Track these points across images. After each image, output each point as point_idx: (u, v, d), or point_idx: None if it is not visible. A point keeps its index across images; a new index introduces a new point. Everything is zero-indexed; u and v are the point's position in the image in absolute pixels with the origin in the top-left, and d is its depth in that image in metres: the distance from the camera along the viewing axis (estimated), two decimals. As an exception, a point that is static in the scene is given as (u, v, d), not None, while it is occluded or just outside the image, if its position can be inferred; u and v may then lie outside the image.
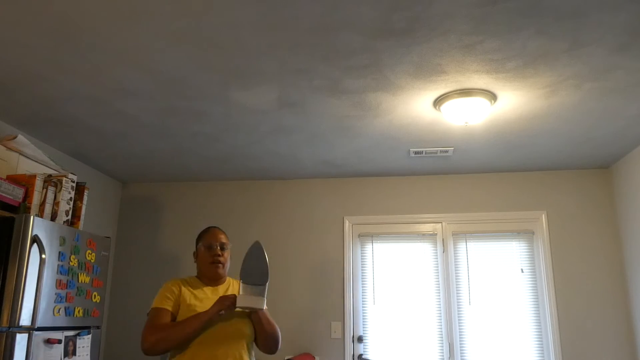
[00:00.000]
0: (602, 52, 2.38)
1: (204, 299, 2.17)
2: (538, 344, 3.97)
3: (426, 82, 2.70)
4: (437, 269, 4.19)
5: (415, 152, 3.80)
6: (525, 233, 4.19)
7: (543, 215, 4.16)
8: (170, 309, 2.11)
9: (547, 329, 3.95)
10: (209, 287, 2.25)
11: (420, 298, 4.15)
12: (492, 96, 2.84)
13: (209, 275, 2.25)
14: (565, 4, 2.01)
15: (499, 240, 4.19)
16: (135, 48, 2.36)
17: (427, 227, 4.29)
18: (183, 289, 2.18)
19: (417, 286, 4.19)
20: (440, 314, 4.09)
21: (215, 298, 2.18)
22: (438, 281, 4.16)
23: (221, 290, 2.26)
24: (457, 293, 4.12)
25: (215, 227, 2.35)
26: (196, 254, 2.31)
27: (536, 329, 4.00)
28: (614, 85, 2.73)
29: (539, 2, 2.01)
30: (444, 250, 4.21)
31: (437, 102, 2.92)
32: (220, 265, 2.24)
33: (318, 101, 2.93)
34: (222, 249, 2.27)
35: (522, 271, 4.12)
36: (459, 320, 4.07)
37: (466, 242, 4.22)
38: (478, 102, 2.84)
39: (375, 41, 2.29)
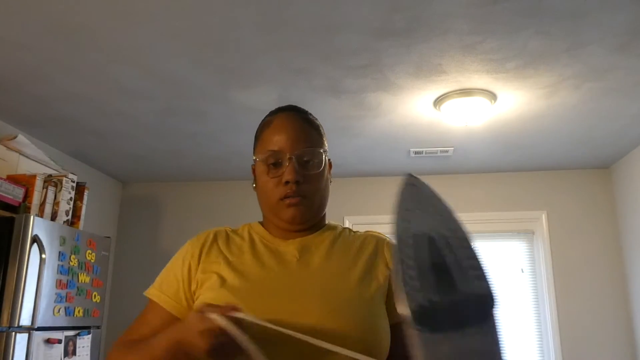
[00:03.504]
0: (602, 52, 2.38)
1: (269, 268, 1.03)
2: (538, 344, 3.97)
3: (426, 82, 2.70)
4: (437, 269, 4.18)
5: (415, 152, 3.80)
6: (525, 233, 4.19)
7: (543, 215, 4.16)
8: (167, 306, 1.05)
9: (547, 329, 3.95)
10: (288, 242, 1.08)
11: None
12: (492, 96, 2.84)
13: (281, 221, 1.08)
14: (565, 4, 2.01)
15: (499, 240, 4.19)
16: (135, 48, 2.36)
17: (427, 227, 4.28)
18: (215, 259, 1.06)
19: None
20: (440, 314, 4.09)
21: (294, 266, 1.04)
22: (438, 281, 4.15)
23: (318, 249, 1.07)
24: (457, 293, 4.12)
25: (289, 110, 1.16)
26: (254, 175, 1.13)
27: (536, 329, 4.00)
28: (614, 85, 2.73)
29: (539, 2, 2.01)
30: (444, 250, 4.20)
31: (437, 102, 2.92)
32: (301, 202, 1.05)
33: (318, 101, 2.92)
34: (305, 164, 1.06)
35: (522, 271, 4.12)
36: (459, 320, 4.07)
37: (466, 242, 4.21)
38: (478, 102, 2.85)
39: (375, 41, 2.29)
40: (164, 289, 1.07)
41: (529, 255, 4.15)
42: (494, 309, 0.61)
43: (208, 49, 2.36)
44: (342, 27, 2.18)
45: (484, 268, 0.57)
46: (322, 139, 1.12)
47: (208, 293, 1.00)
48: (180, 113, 3.13)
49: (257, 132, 1.14)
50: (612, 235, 4.07)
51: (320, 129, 1.14)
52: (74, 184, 3.10)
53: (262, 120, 1.16)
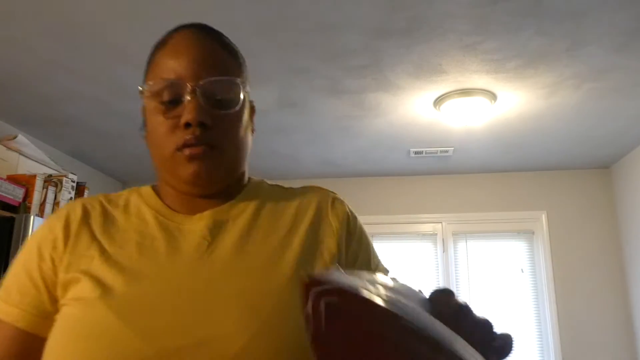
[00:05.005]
0: (602, 52, 2.38)
1: (167, 263, 0.70)
2: (538, 344, 3.97)
3: (426, 82, 2.70)
4: (437, 269, 4.19)
5: (415, 152, 3.80)
6: (525, 233, 4.19)
7: (543, 215, 4.16)
8: (20, 322, 0.71)
9: (547, 329, 3.95)
10: (194, 218, 0.76)
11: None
12: (492, 96, 2.84)
13: (178, 181, 0.76)
14: (565, 4, 2.01)
15: (499, 240, 4.19)
16: (135, 48, 2.36)
17: (427, 227, 4.29)
18: (85, 250, 0.73)
19: (417, 286, 4.18)
20: (440, 314, 4.08)
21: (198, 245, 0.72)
22: (438, 281, 4.16)
23: (235, 225, 0.75)
24: (457, 293, 4.11)
25: (194, 27, 0.79)
26: (144, 117, 0.80)
27: (536, 329, 4.00)
28: (614, 85, 2.73)
29: (539, 2, 2.00)
30: (444, 250, 4.21)
31: (437, 102, 2.92)
32: (206, 152, 0.73)
33: (318, 101, 2.92)
34: (215, 100, 0.74)
35: (522, 271, 4.12)
36: (459, 320, 4.06)
37: (466, 242, 4.22)
38: (478, 102, 2.85)
39: (375, 41, 2.29)
40: (12, 299, 0.71)
41: (529, 255, 4.15)
42: None
43: (208, 49, 2.36)
44: (342, 27, 2.18)
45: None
46: (240, 68, 0.79)
47: (75, 307, 0.66)
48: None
49: (149, 56, 0.80)
50: (612, 235, 4.07)
51: (239, 55, 0.81)
52: (74, 184, 3.10)
53: (157, 41, 0.80)
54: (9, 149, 2.97)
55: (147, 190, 0.81)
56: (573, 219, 4.14)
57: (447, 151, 3.78)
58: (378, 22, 2.14)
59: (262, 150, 3.77)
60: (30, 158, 3.09)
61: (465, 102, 2.84)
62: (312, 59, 2.46)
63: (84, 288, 0.67)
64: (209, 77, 0.73)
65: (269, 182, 0.86)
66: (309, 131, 3.39)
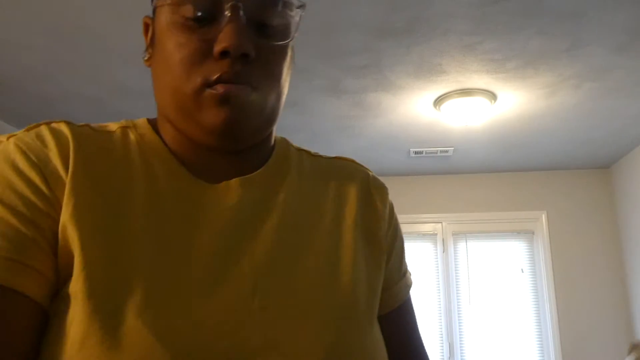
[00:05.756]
0: (602, 52, 2.38)
1: (190, 249, 0.51)
2: (538, 344, 3.97)
3: (426, 82, 2.70)
4: (437, 269, 4.19)
5: (415, 152, 3.80)
6: (525, 233, 4.19)
7: (543, 215, 4.16)
8: (37, 293, 0.46)
9: (547, 329, 3.95)
10: (218, 187, 0.56)
11: (420, 298, 4.16)
12: (492, 96, 2.84)
13: (197, 128, 0.54)
14: (565, 4, 2.01)
15: (499, 240, 4.19)
16: (135, 48, 2.36)
17: (427, 227, 4.29)
18: (83, 199, 0.50)
19: (417, 286, 4.19)
20: (440, 314, 4.09)
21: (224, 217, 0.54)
22: (438, 281, 4.16)
23: (277, 200, 0.58)
24: (457, 293, 4.12)
25: None
26: (148, 35, 0.64)
27: (536, 329, 4.00)
28: (614, 85, 2.73)
29: (539, 2, 2.00)
30: (444, 250, 4.21)
31: (437, 102, 2.92)
32: (244, 93, 0.52)
33: (318, 101, 2.92)
34: (262, 26, 0.55)
35: (522, 271, 4.12)
36: (459, 320, 4.07)
37: (466, 242, 4.22)
38: (478, 102, 2.85)
39: (375, 41, 2.29)
40: (26, 257, 0.47)
41: (529, 255, 4.15)
42: None
43: (208, 49, 2.36)
44: (342, 27, 2.18)
45: None
46: None
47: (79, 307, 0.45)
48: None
49: None
50: (612, 235, 4.07)
51: None
52: (74, 184, 3.09)
53: None
54: (9, 149, 2.97)
55: (146, 129, 0.59)
56: (573, 219, 4.14)
57: (447, 151, 3.78)
58: (378, 22, 2.14)
59: (262, 150, 3.77)
60: (30, 158, 3.09)
61: (465, 102, 2.84)
62: (312, 59, 2.46)
63: (84, 271, 0.46)
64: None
65: (293, 144, 0.68)
66: (309, 131, 3.39)
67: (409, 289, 0.67)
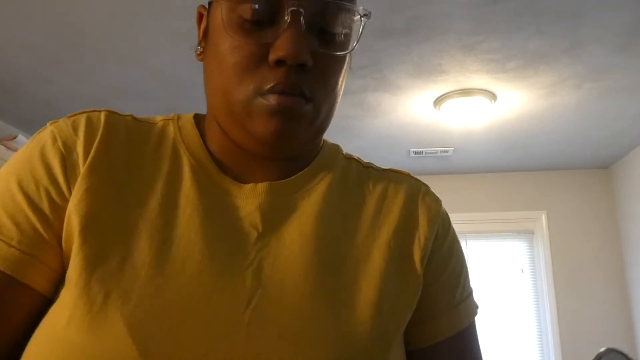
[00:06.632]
0: (602, 52, 2.38)
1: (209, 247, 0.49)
2: (538, 344, 3.97)
3: (426, 82, 2.70)
4: (437, 269, 4.18)
5: (415, 152, 3.80)
6: (525, 233, 4.19)
7: (543, 215, 4.16)
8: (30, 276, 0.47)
9: (547, 329, 3.95)
10: (245, 188, 0.54)
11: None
12: (492, 96, 2.84)
13: (246, 136, 0.53)
14: (565, 4, 2.01)
15: (499, 240, 4.19)
16: (135, 48, 2.36)
17: (427, 227, 4.28)
18: (105, 190, 0.51)
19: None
20: (440, 314, 4.08)
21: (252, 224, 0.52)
22: (438, 281, 4.15)
23: (298, 210, 0.55)
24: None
25: None
26: (202, 30, 0.57)
27: (536, 328, 4.00)
28: (614, 85, 2.73)
29: (539, 2, 2.00)
30: (444, 250, 4.21)
31: (437, 102, 2.92)
32: (299, 106, 0.51)
33: (318, 101, 2.92)
34: (324, 33, 0.52)
35: (522, 271, 4.12)
36: (459, 320, 4.06)
37: (466, 242, 4.22)
38: (478, 102, 2.85)
39: (375, 41, 2.29)
40: (37, 251, 0.48)
41: (529, 255, 4.15)
42: None
43: (208, 49, 2.36)
44: (342, 27, 2.18)
45: None
46: None
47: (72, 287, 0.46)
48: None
49: None
50: (612, 235, 4.07)
51: None
52: (74, 184, 3.09)
53: None
54: (9, 149, 2.97)
55: (187, 122, 0.59)
56: (573, 219, 4.14)
57: (447, 151, 3.77)
58: (378, 22, 2.14)
59: (262, 150, 3.78)
60: (30, 158, 3.09)
61: (465, 102, 2.84)
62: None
63: (76, 260, 0.46)
64: None
65: (344, 152, 0.63)
66: (309, 131, 3.39)
67: (472, 315, 0.61)
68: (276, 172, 0.56)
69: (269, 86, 0.49)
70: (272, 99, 0.49)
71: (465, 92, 2.79)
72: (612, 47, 2.34)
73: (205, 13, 0.56)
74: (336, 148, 0.63)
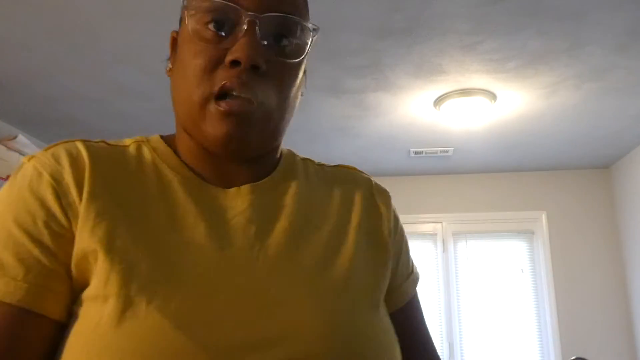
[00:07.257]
0: (602, 52, 2.38)
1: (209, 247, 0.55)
2: (538, 344, 3.97)
3: (426, 82, 2.70)
4: (437, 269, 4.19)
5: (415, 152, 3.80)
6: (525, 233, 4.19)
7: (543, 215, 4.16)
8: (23, 297, 0.49)
9: (547, 329, 3.95)
10: (229, 192, 0.60)
11: (420, 298, 4.16)
12: (492, 96, 2.84)
13: (202, 138, 0.58)
14: (565, 4, 2.01)
15: (499, 240, 4.19)
16: (135, 48, 2.36)
17: (427, 227, 4.29)
18: (102, 211, 0.54)
19: (417, 286, 4.19)
20: (440, 313, 4.09)
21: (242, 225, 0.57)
22: (438, 281, 4.16)
23: (283, 207, 0.62)
24: (457, 293, 4.12)
25: None
26: (173, 48, 0.66)
27: (536, 328, 4.00)
28: (614, 85, 2.73)
29: (539, 2, 2.01)
30: (444, 250, 4.21)
31: (437, 102, 2.92)
32: (248, 108, 0.56)
33: (318, 101, 2.92)
34: (276, 41, 0.58)
35: (522, 271, 4.12)
36: (459, 320, 4.07)
37: (466, 242, 4.22)
38: (478, 102, 2.85)
39: (375, 41, 2.29)
40: (11, 271, 0.49)
41: (529, 255, 4.15)
42: None
43: (208, 49, 2.36)
44: (342, 27, 2.18)
45: None
46: (307, 11, 0.64)
47: (105, 310, 0.48)
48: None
49: None
50: (612, 235, 4.07)
51: None
52: (74, 184, 3.09)
53: None
54: (9, 149, 2.97)
55: (158, 143, 0.63)
56: (573, 219, 4.14)
57: (447, 151, 3.78)
58: (378, 22, 2.14)
59: (262, 150, 3.78)
60: (30, 158, 3.09)
61: (465, 102, 2.84)
62: (312, 59, 2.45)
63: (112, 277, 0.49)
64: (275, 9, 0.56)
65: (299, 155, 0.71)
66: (308, 131, 3.39)
67: (416, 284, 0.75)
68: (247, 174, 0.62)
69: (222, 84, 0.55)
70: (223, 105, 0.55)
71: (465, 92, 2.79)
72: (612, 47, 2.34)
73: (176, 36, 0.65)
74: (292, 152, 0.71)
